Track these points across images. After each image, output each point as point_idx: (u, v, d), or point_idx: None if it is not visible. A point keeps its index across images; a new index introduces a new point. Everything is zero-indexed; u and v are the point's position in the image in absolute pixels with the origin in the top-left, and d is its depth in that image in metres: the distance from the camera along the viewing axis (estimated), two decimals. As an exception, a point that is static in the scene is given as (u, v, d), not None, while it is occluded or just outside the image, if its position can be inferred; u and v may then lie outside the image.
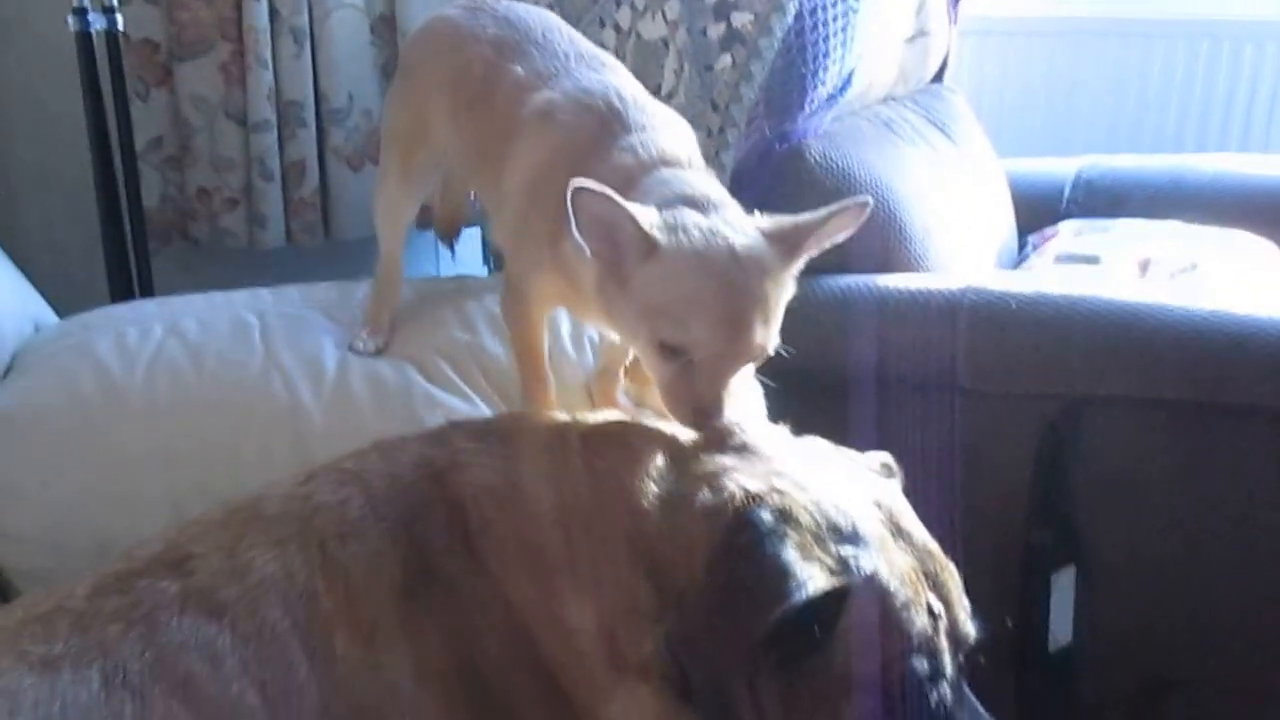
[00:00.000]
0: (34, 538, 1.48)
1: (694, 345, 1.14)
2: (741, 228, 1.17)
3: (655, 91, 1.59)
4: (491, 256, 2.32)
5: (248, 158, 2.50)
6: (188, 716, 0.99)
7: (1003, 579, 1.71)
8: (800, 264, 1.20)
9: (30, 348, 1.68)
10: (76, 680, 0.99)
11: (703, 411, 1.17)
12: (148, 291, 2.35)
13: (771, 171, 1.87)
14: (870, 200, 1.20)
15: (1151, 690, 1.78)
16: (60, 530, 1.48)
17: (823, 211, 1.18)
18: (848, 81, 1.93)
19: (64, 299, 1.91)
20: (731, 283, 1.14)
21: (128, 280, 2.33)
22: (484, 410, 1.52)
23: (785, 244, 1.18)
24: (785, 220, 1.19)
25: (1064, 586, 1.74)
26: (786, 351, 1.20)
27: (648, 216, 1.14)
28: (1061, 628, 1.76)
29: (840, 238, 1.21)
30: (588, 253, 1.16)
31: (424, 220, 2.49)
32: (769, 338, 1.18)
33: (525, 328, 1.42)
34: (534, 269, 1.35)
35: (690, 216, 1.16)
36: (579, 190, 1.10)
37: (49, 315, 1.84)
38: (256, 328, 1.65)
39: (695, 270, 1.13)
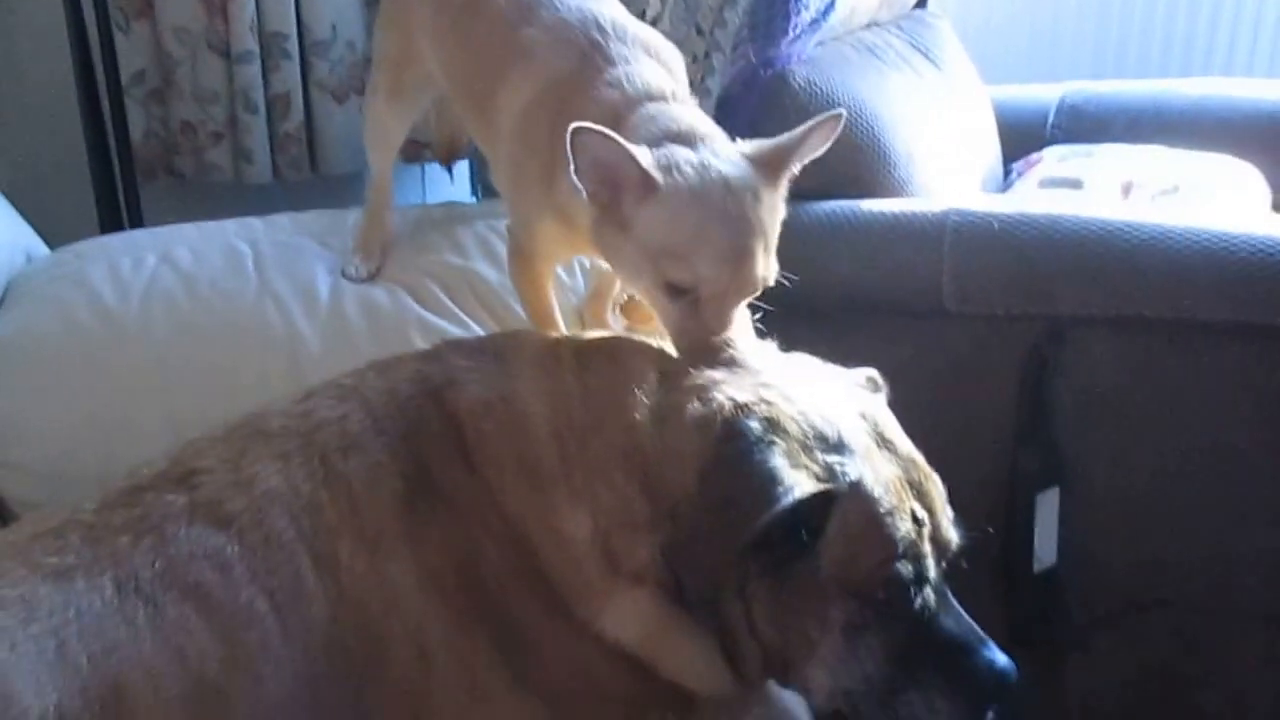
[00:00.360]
0: (35, 466, 1.51)
1: (701, 283, 1.16)
2: (730, 158, 1.19)
3: (640, 17, 1.59)
4: (480, 186, 2.32)
5: (231, 90, 2.48)
6: (200, 622, 1.02)
7: (989, 501, 1.74)
8: (785, 184, 1.22)
9: (23, 278, 1.69)
10: (90, 589, 1.02)
11: (708, 338, 1.20)
12: (137, 225, 2.35)
13: (757, 97, 1.87)
14: (843, 114, 1.22)
15: (1133, 609, 1.82)
16: (61, 459, 1.50)
17: (799, 130, 1.20)
18: (830, 5, 1.93)
19: (54, 233, 1.91)
20: (731, 217, 1.16)
21: (117, 214, 2.33)
22: (478, 332, 1.54)
23: (770, 166, 1.20)
24: (765, 144, 1.21)
25: (1048, 508, 1.77)
26: (787, 279, 1.23)
27: (646, 156, 1.14)
28: (1046, 549, 1.79)
29: (818, 153, 1.23)
30: (584, 195, 1.17)
31: (410, 154, 2.49)
32: (770, 267, 1.20)
33: (534, 287, 1.43)
34: (533, 213, 1.35)
35: (681, 154, 1.17)
36: (578, 131, 1.11)
37: (40, 247, 1.85)
38: (249, 256, 1.67)
39: (696, 208, 1.15)
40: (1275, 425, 1.65)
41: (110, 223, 2.32)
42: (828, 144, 1.23)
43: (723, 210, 1.15)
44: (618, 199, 1.16)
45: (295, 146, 2.53)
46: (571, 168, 1.13)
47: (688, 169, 1.16)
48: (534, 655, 1.10)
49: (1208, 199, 2.09)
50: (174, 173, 2.56)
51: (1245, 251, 1.60)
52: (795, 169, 1.22)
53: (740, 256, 1.16)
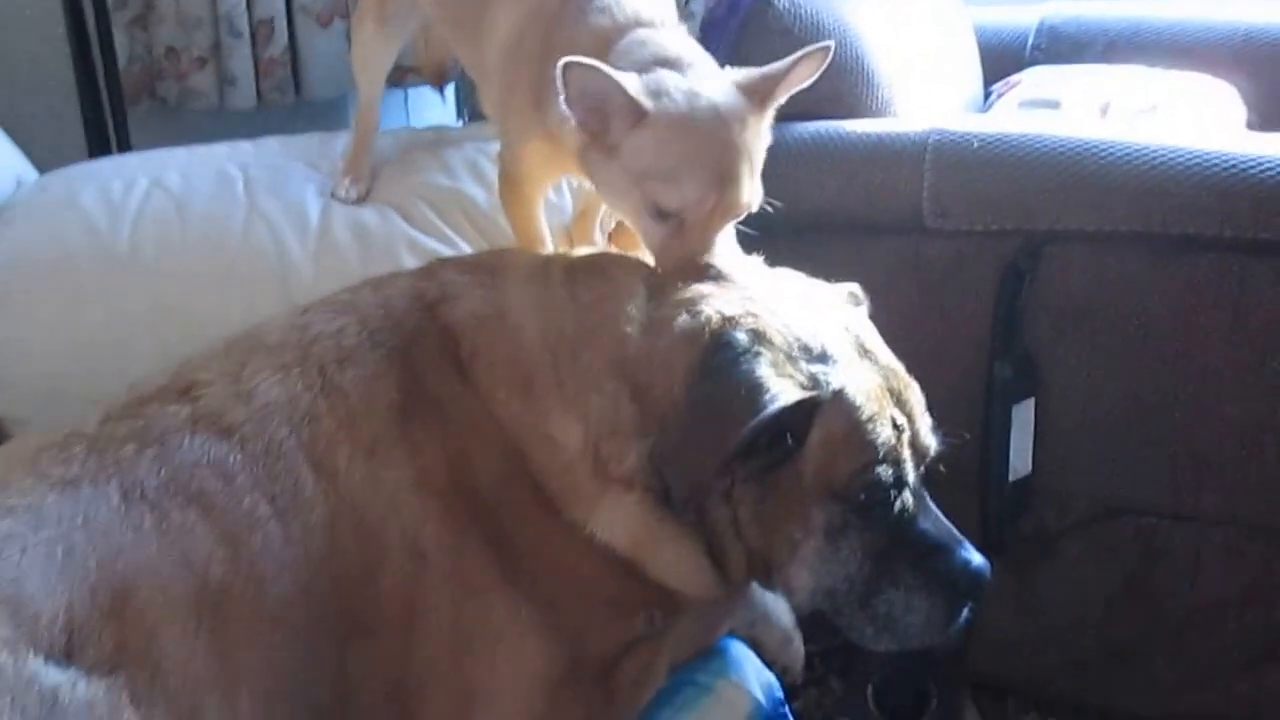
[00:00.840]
0: (29, 386, 1.53)
1: (687, 206, 1.19)
2: (719, 85, 1.21)
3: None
4: (466, 110, 2.32)
5: (215, 15, 2.47)
6: (204, 527, 1.05)
7: (966, 412, 1.78)
8: (772, 113, 1.24)
9: (13, 202, 1.70)
10: (96, 496, 1.05)
11: (693, 258, 1.22)
12: (125, 150, 2.35)
13: (740, 20, 1.88)
14: (832, 45, 1.24)
15: (1103, 516, 1.87)
16: (55, 379, 1.53)
17: (787, 60, 1.22)
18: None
19: (43, 159, 1.91)
20: (719, 142, 1.18)
21: (105, 139, 2.33)
22: (468, 251, 1.56)
23: (757, 95, 1.21)
24: (754, 72, 1.22)
25: (1024, 419, 1.81)
26: (771, 205, 1.25)
27: (634, 84, 1.16)
28: (1021, 459, 1.84)
29: (805, 84, 1.25)
30: (573, 123, 1.18)
31: (395, 78, 2.49)
32: (755, 192, 1.22)
33: (524, 211, 1.44)
34: (521, 136, 1.36)
35: (671, 80, 1.18)
36: (568, 65, 1.12)
37: (30, 172, 1.85)
38: (239, 179, 1.67)
39: (684, 133, 1.17)
40: (1245, 337, 1.69)
41: (99, 148, 2.32)
42: (816, 75, 1.25)
43: (710, 135, 1.17)
44: (606, 126, 1.17)
45: (280, 71, 2.53)
46: (561, 98, 1.14)
47: (676, 94, 1.17)
48: (525, 556, 1.14)
49: (1185, 118, 2.10)
50: (157, 98, 2.55)
51: (1219, 168, 1.62)
52: (783, 98, 1.24)
53: (726, 181, 1.19)
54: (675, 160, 1.17)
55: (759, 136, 1.22)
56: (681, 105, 1.17)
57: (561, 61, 1.12)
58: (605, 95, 1.14)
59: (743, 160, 1.19)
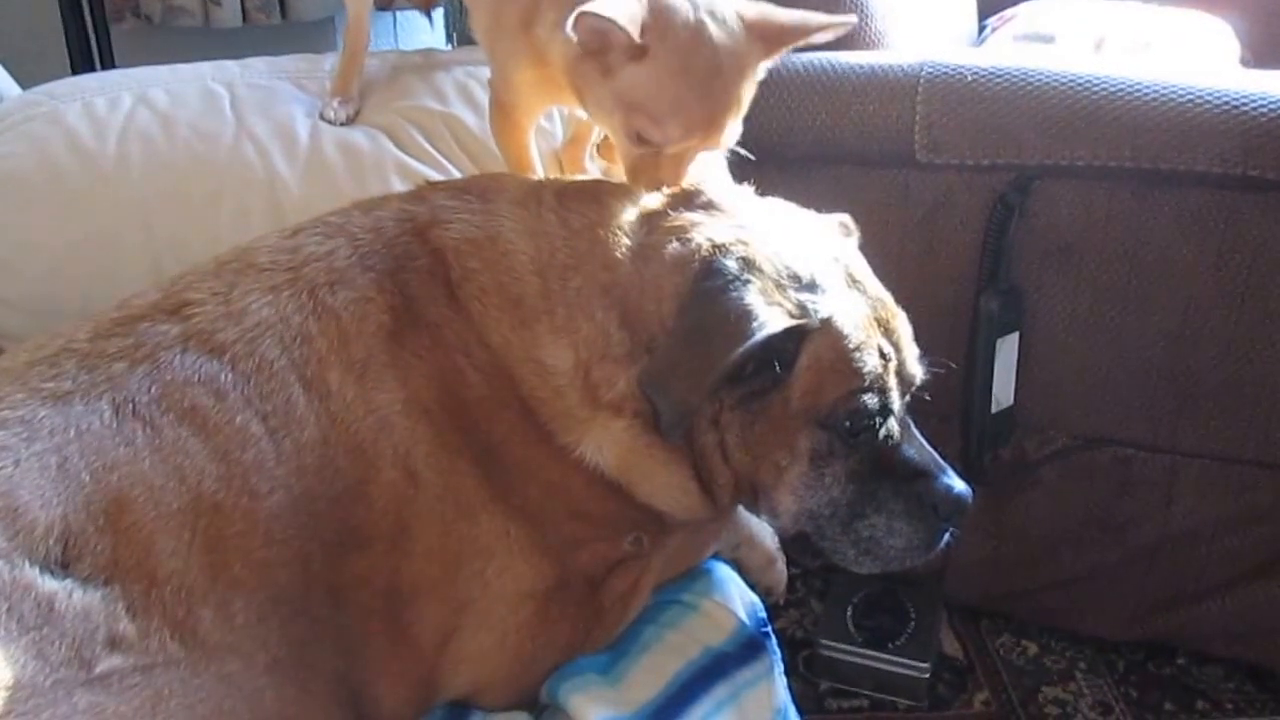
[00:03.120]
0: (17, 301, 1.52)
1: (667, 142, 1.19)
2: (728, 22, 1.19)
3: None
4: (455, 34, 2.30)
5: (200, -69, 2.43)
6: (197, 443, 1.05)
7: (951, 344, 1.80)
8: (775, 61, 1.23)
9: (-3, 117, 1.68)
10: (89, 411, 1.05)
11: (662, 186, 1.24)
12: (109, 68, 2.32)
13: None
14: (855, 21, 1.24)
15: (1082, 446, 1.90)
16: (43, 293, 1.51)
17: (810, 21, 1.22)
18: None
19: (26, 75, 1.88)
20: (710, 89, 1.18)
21: (88, 56, 2.29)
22: (458, 176, 1.55)
23: (766, 41, 1.21)
24: (771, 17, 1.21)
25: (1008, 352, 1.83)
26: (742, 149, 1.26)
27: (637, 23, 1.14)
28: (1004, 391, 1.86)
29: (814, 41, 1.25)
30: (570, 37, 1.16)
31: (384, 1, 2.45)
32: (735, 133, 1.23)
33: (514, 139, 1.43)
34: (511, 61, 1.34)
35: (680, 13, 1.17)
36: (582, 14, 1.10)
37: (13, 87, 1.82)
38: (226, 98, 1.65)
39: (678, 77, 1.17)
40: (1229, 274, 1.71)
41: (82, 65, 2.28)
42: (828, 39, 1.25)
43: (703, 83, 1.17)
44: (606, 49, 1.17)
45: (266, -10, 2.49)
46: (569, 22, 1.13)
47: (681, 33, 1.16)
48: (515, 476, 1.15)
49: (1178, 54, 2.10)
50: (140, 15, 2.51)
51: (1211, 104, 1.63)
52: (788, 51, 1.24)
53: (709, 124, 1.19)
54: (665, 103, 1.17)
55: (753, 82, 1.22)
56: (682, 45, 1.16)
57: (578, 10, 1.10)
58: (611, 31, 1.14)
59: (730, 109, 1.20)
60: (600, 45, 1.17)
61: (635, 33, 1.13)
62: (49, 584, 0.96)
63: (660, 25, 1.16)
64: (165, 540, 1.02)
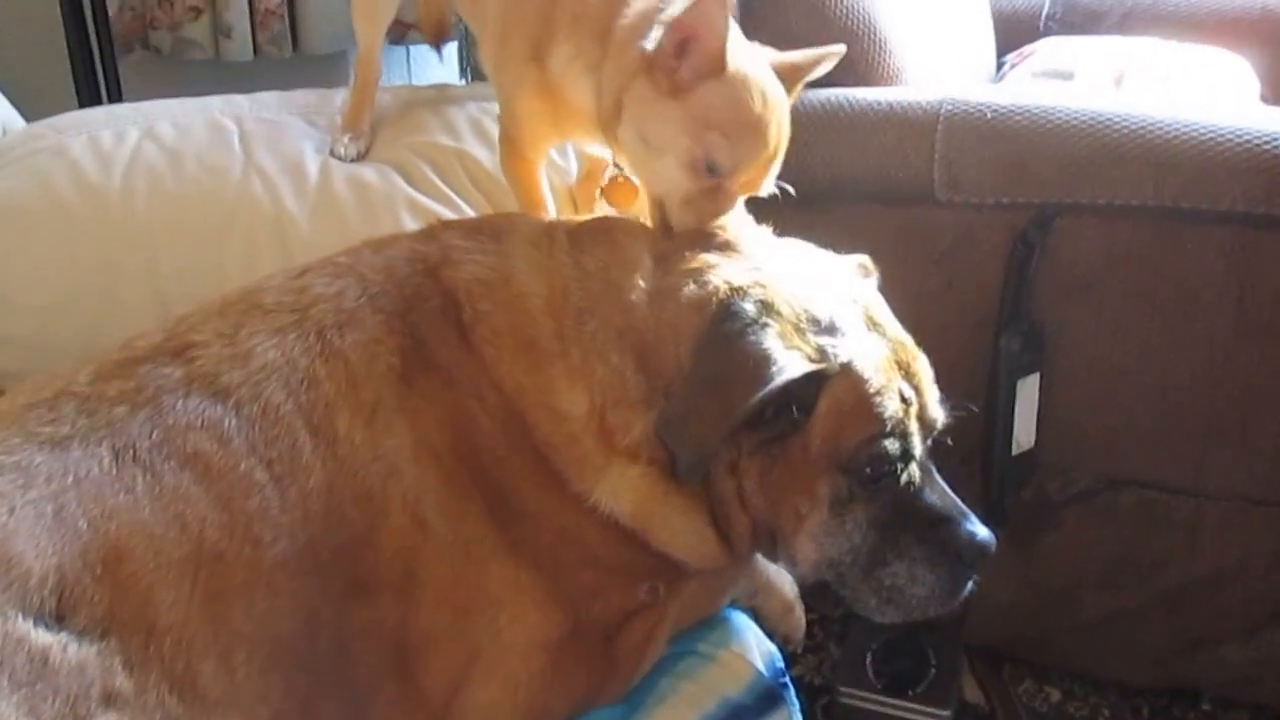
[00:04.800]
0: (18, 337, 1.50)
1: (734, 166, 1.18)
2: (766, 62, 1.22)
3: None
4: (469, 69, 2.29)
5: (211, -37, 2.43)
6: (199, 490, 1.03)
7: (971, 384, 1.77)
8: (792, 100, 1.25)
9: (0, 150, 1.66)
10: (87, 456, 1.02)
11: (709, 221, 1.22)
12: (116, 100, 2.31)
13: (753, -21, 1.85)
14: (844, 49, 1.28)
15: (1105, 488, 1.87)
16: (44, 330, 1.50)
17: (811, 54, 1.25)
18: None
19: (31, 108, 1.87)
20: (775, 115, 1.19)
21: (95, 89, 2.28)
22: (470, 213, 1.53)
23: (785, 80, 1.22)
24: (783, 59, 1.24)
25: (1029, 392, 1.81)
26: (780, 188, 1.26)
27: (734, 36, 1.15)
28: (1025, 431, 1.83)
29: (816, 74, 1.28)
30: (648, 45, 1.16)
31: (396, 34, 2.45)
32: (781, 161, 1.23)
33: (525, 176, 1.41)
34: (518, 91, 1.33)
35: (743, 43, 1.18)
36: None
37: (16, 119, 1.81)
38: (235, 132, 1.64)
39: (755, 97, 1.16)
40: (1253, 313, 1.68)
41: (88, 98, 2.28)
42: (824, 71, 1.29)
43: (771, 106, 1.18)
44: (682, 65, 1.15)
45: (277, 23, 2.49)
46: (666, 12, 1.13)
47: (744, 55, 1.17)
48: (527, 524, 1.12)
49: (1198, 91, 2.09)
50: (150, 47, 2.51)
51: (1233, 142, 1.61)
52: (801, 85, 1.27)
53: (770, 155, 1.20)
54: (744, 119, 1.17)
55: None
56: (754, 71, 1.17)
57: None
58: (711, 31, 1.13)
59: (784, 140, 1.21)
60: (674, 60, 1.15)
61: (729, 39, 1.14)
62: (43, 637, 0.93)
63: (735, 55, 1.16)
64: (164, 591, 0.99)
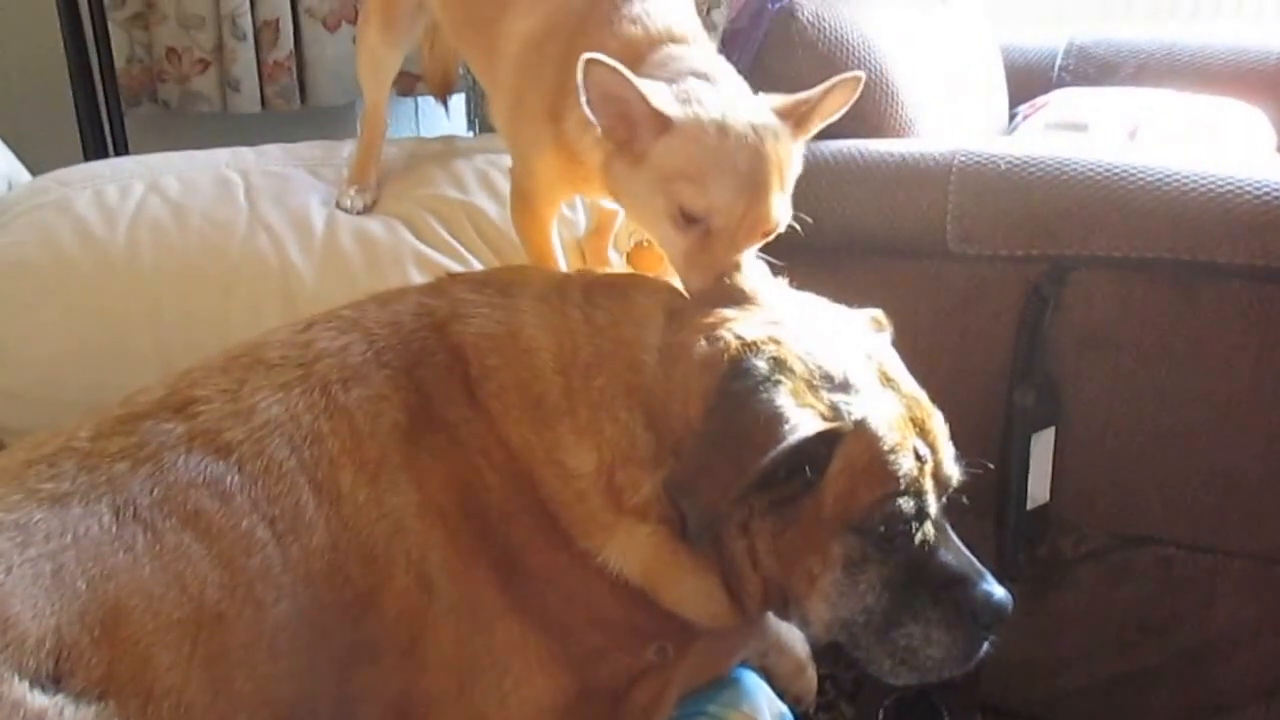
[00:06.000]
0: (22, 393, 1.49)
1: (715, 210, 1.15)
2: (753, 102, 1.19)
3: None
4: (477, 120, 2.29)
5: (218, 16, 2.44)
6: (199, 549, 1.01)
7: (985, 439, 1.75)
8: (807, 139, 1.22)
9: (4, 204, 1.65)
10: (87, 514, 1.00)
11: (721, 279, 1.18)
12: (122, 154, 2.31)
13: (764, 32, 1.86)
14: (862, 76, 1.22)
15: (1121, 545, 1.84)
16: (48, 386, 1.48)
17: (820, 87, 1.20)
18: (839, -59, 1.91)
19: (36, 161, 1.86)
20: (751, 147, 1.15)
21: (101, 142, 2.28)
22: (477, 267, 1.52)
23: (793, 119, 1.19)
24: (788, 99, 1.21)
25: (1044, 447, 1.79)
26: (797, 225, 1.22)
27: (659, 93, 1.13)
28: (1040, 487, 1.81)
29: (837, 114, 1.23)
30: (597, 132, 1.15)
31: (404, 87, 2.45)
32: (784, 209, 1.19)
33: (536, 230, 1.40)
34: (534, 149, 1.32)
35: (705, 89, 1.16)
36: (590, 63, 1.09)
37: (22, 173, 1.81)
38: (240, 186, 1.64)
39: (715, 135, 1.14)
40: (1272, 367, 1.67)
41: (94, 151, 2.28)
42: (848, 104, 1.23)
43: (742, 142, 1.14)
44: (633, 134, 1.14)
45: (285, 76, 2.50)
46: (583, 100, 1.11)
47: (710, 101, 1.15)
48: (535, 584, 1.10)
49: (1213, 143, 2.08)
50: (158, 101, 2.52)
51: (1249, 195, 1.60)
52: (817, 126, 1.22)
53: (755, 186, 1.15)
54: (705, 162, 1.14)
55: (791, 156, 1.19)
56: (713, 111, 1.14)
57: (584, 57, 1.09)
58: (627, 101, 1.11)
59: (774, 171, 1.16)
60: (626, 131, 1.14)
61: (651, 94, 1.11)
62: (39, 700, 0.91)
63: (685, 95, 1.15)
64: (164, 653, 0.97)
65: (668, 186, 1.15)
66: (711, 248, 1.17)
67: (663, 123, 1.13)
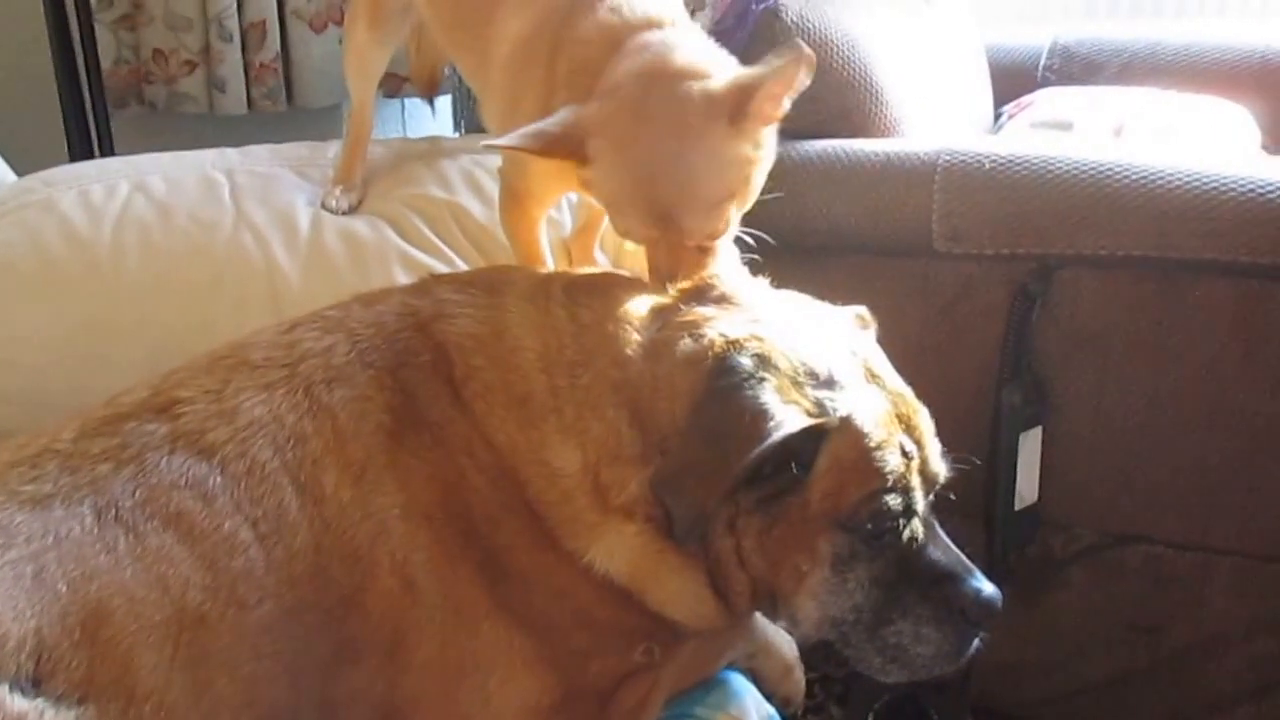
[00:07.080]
0: (9, 393, 1.48)
1: (633, 234, 1.20)
2: (692, 102, 1.15)
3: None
4: (464, 121, 2.29)
5: (205, 17, 2.43)
6: (182, 550, 1.00)
7: (972, 438, 1.75)
8: (755, 125, 1.18)
9: (-10, 205, 1.65)
10: (69, 516, 1.00)
11: (669, 280, 1.20)
12: (109, 155, 2.30)
13: (749, 32, 1.85)
14: (812, 55, 1.16)
15: (1110, 544, 1.84)
16: (33, 386, 1.48)
17: (760, 70, 1.16)
18: (825, -60, 1.90)
19: (21, 162, 1.86)
20: (654, 177, 1.16)
21: (88, 143, 2.28)
22: (462, 267, 1.52)
23: (726, 109, 1.15)
24: (739, 80, 1.16)
25: (1032, 446, 1.78)
26: (748, 233, 1.24)
27: (568, 134, 1.15)
28: (1028, 487, 1.81)
29: (793, 92, 1.18)
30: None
31: (391, 88, 2.45)
32: (713, 219, 1.19)
33: (525, 230, 1.40)
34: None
35: (628, 103, 1.16)
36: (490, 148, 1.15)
37: (7, 173, 1.80)
38: (225, 186, 1.63)
39: (621, 170, 1.17)
40: (1259, 364, 1.67)
41: (81, 153, 2.27)
42: (804, 84, 1.17)
43: (645, 171, 1.16)
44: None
45: (271, 77, 2.49)
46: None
47: (619, 125, 1.16)
48: (520, 585, 1.10)
49: (1198, 141, 2.08)
50: (145, 102, 2.51)
51: (1234, 192, 1.61)
52: (770, 110, 1.17)
53: (661, 216, 1.17)
54: (616, 196, 1.18)
55: (724, 155, 1.17)
56: (619, 140, 1.16)
57: (481, 143, 1.17)
58: (551, 151, 1.17)
59: (684, 193, 1.16)
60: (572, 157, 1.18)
61: (537, 147, 1.16)
62: (18, 704, 0.90)
63: (606, 114, 1.16)
64: (145, 655, 0.96)
65: (608, 204, 1.21)
66: (665, 254, 1.20)
67: (581, 156, 1.16)
